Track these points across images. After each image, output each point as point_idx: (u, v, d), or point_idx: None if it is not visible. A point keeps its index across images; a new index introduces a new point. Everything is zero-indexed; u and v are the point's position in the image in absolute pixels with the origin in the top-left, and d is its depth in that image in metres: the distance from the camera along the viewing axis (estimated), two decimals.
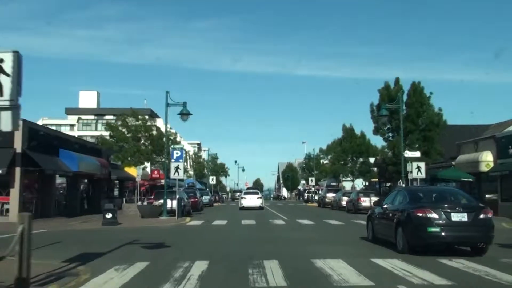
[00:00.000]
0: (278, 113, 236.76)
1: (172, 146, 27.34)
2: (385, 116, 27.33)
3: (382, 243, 13.65)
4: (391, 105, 28.79)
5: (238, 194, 72.40)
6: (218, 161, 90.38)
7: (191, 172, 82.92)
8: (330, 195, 46.40)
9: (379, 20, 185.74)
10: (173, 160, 25.86)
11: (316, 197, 62.13)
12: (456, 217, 11.45)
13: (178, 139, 46.66)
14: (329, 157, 63.22)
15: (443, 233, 11.36)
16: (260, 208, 40.10)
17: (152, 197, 30.55)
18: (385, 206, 14.05)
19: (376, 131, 38.40)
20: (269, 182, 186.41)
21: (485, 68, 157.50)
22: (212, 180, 63.92)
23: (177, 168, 25.66)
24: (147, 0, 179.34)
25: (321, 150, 65.50)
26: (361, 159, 53.73)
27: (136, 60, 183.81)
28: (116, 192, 46.09)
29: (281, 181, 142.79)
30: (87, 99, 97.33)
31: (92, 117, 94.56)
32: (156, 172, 45.25)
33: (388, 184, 56.78)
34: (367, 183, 63.31)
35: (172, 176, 25.88)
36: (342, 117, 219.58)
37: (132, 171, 44.82)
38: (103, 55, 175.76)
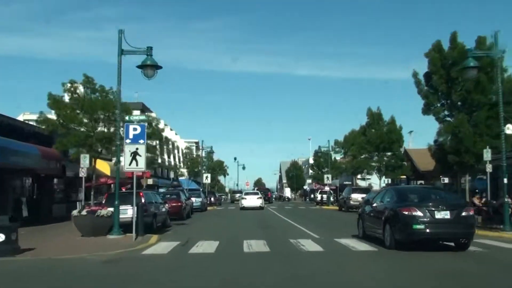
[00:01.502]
0: (278, 113, 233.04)
1: (128, 117, 16.91)
2: (473, 69, 17.05)
3: (372, 239, 13.69)
4: (485, 51, 18.55)
5: (238, 195, 62.36)
6: (215, 157, 79.40)
7: (184, 170, 72.38)
8: (357, 196, 36.04)
9: (379, 20, 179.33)
10: (128, 142, 15.51)
11: (332, 199, 52.16)
12: (439, 214, 11.98)
13: (160, 125, 36.04)
14: (346, 150, 52.39)
15: (427, 230, 11.90)
16: (260, 208, 40.56)
17: (103, 202, 19.97)
18: (374, 205, 14.44)
19: (426, 109, 28.03)
20: (270, 182, 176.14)
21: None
22: (207, 178, 52.76)
23: (134, 154, 15.37)
24: (147, 0, 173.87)
25: (336, 142, 54.24)
26: (390, 153, 43.10)
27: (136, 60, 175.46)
28: (82, 195, 35.94)
29: (284, 181, 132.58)
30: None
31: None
32: None
33: (419, 182, 46.38)
34: (389, 181, 52.90)
35: (126, 167, 15.55)
36: (343, 116, 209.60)
37: (103, 166, 34.76)
38: (103, 55, 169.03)
